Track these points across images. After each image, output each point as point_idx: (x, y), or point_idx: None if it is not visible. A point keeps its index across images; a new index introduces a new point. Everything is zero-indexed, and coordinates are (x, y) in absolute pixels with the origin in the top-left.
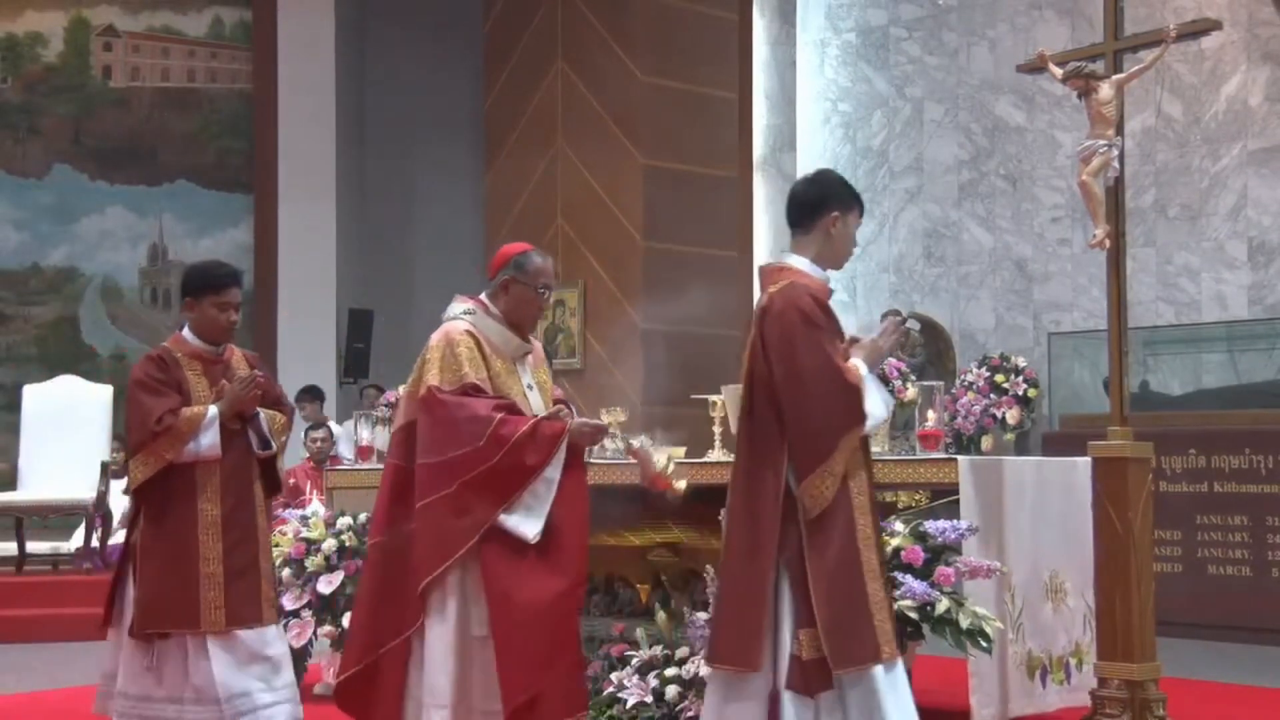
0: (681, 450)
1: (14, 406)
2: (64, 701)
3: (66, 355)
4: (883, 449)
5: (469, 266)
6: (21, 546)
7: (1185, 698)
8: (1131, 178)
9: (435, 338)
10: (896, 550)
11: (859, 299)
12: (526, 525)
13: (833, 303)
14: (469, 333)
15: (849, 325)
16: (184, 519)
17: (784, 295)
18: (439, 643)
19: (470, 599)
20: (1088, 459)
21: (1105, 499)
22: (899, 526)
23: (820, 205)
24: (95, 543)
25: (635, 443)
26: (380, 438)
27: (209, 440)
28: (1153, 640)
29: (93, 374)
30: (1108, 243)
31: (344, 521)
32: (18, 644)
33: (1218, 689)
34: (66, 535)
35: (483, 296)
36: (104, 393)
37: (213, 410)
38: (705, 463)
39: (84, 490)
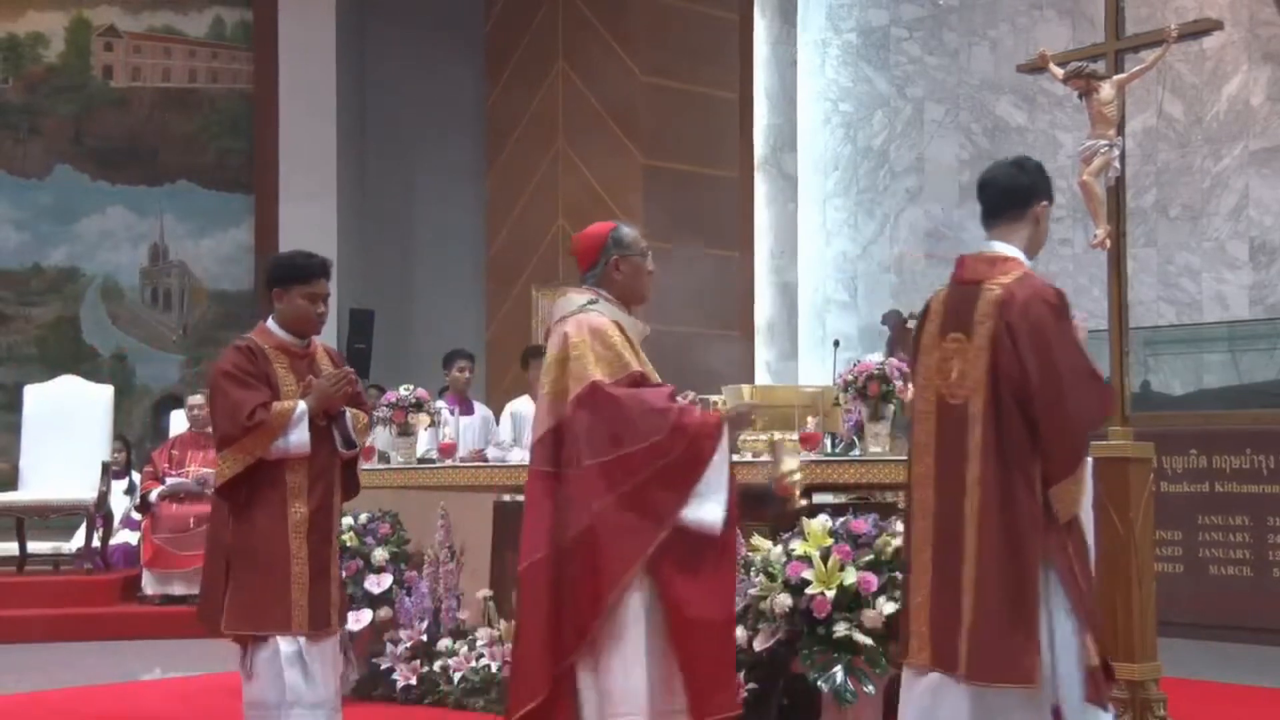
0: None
1: (15, 407)
2: (64, 702)
3: (67, 355)
4: (883, 450)
5: (470, 266)
6: (23, 546)
7: (1185, 698)
8: (1132, 178)
9: (573, 333)
10: (897, 550)
11: (860, 299)
12: (707, 511)
13: (833, 303)
14: (614, 322)
15: (849, 326)
16: (274, 517)
17: (1024, 287)
18: (629, 648)
19: (650, 603)
20: (1088, 459)
21: (1106, 499)
22: (899, 527)
23: (1032, 193)
24: (96, 543)
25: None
26: (380, 438)
27: (298, 437)
28: (1153, 640)
29: (93, 374)
30: (1109, 243)
31: (344, 522)
32: (18, 644)
33: (1218, 689)
34: (67, 535)
35: (592, 286)
36: (105, 393)
37: (302, 406)
38: None
39: (85, 490)
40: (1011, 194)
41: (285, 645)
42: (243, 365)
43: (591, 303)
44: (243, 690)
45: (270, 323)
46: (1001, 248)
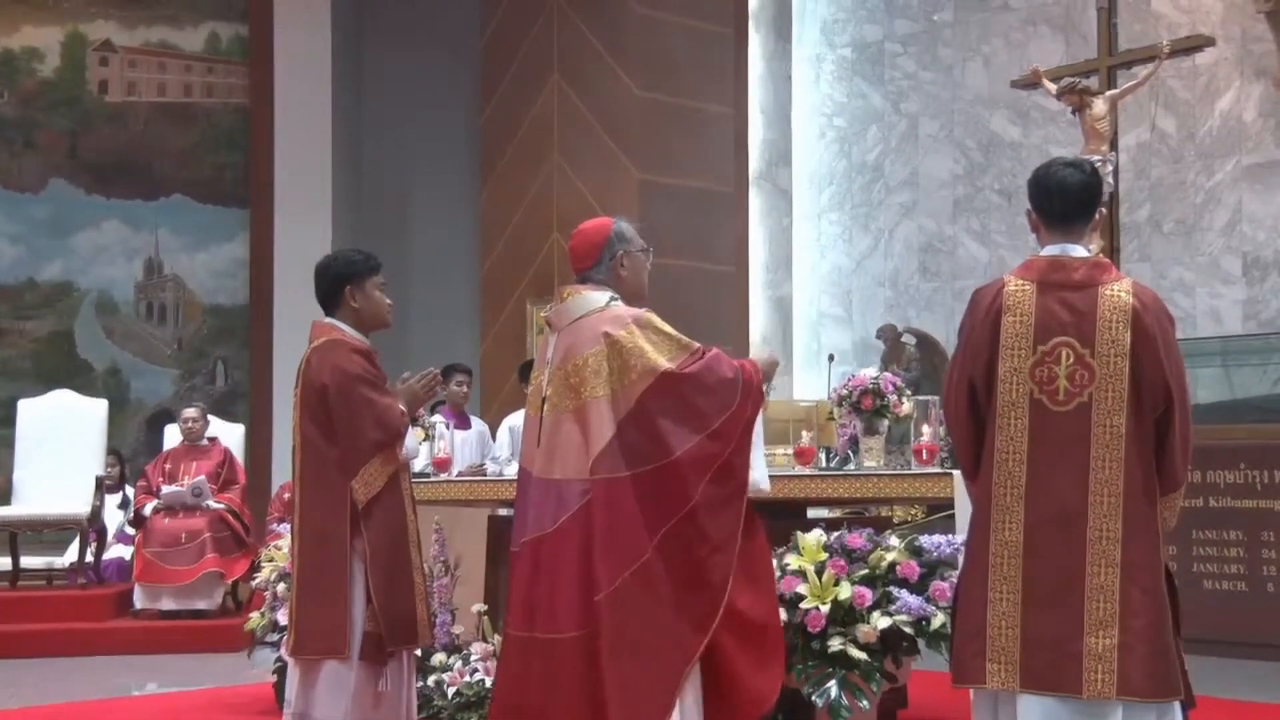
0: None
1: (9, 421)
2: (57, 717)
3: (61, 369)
4: (877, 464)
5: (465, 281)
6: (16, 561)
7: None
8: (1126, 193)
9: (617, 331)
10: (892, 565)
11: (854, 313)
12: (759, 473)
13: (827, 317)
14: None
15: (844, 340)
16: (401, 527)
17: (1147, 292)
18: None
19: None
20: None
21: None
22: (894, 541)
23: (1100, 198)
24: (89, 557)
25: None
26: None
27: (411, 441)
28: None
29: (87, 388)
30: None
31: None
32: (11, 659)
33: (1212, 704)
34: (61, 550)
35: (598, 284)
36: (99, 407)
37: (401, 406)
38: None
39: (78, 505)
40: (1091, 201)
41: (408, 659)
42: (369, 368)
43: (613, 299)
44: (346, 714)
45: (342, 325)
46: (1086, 253)
